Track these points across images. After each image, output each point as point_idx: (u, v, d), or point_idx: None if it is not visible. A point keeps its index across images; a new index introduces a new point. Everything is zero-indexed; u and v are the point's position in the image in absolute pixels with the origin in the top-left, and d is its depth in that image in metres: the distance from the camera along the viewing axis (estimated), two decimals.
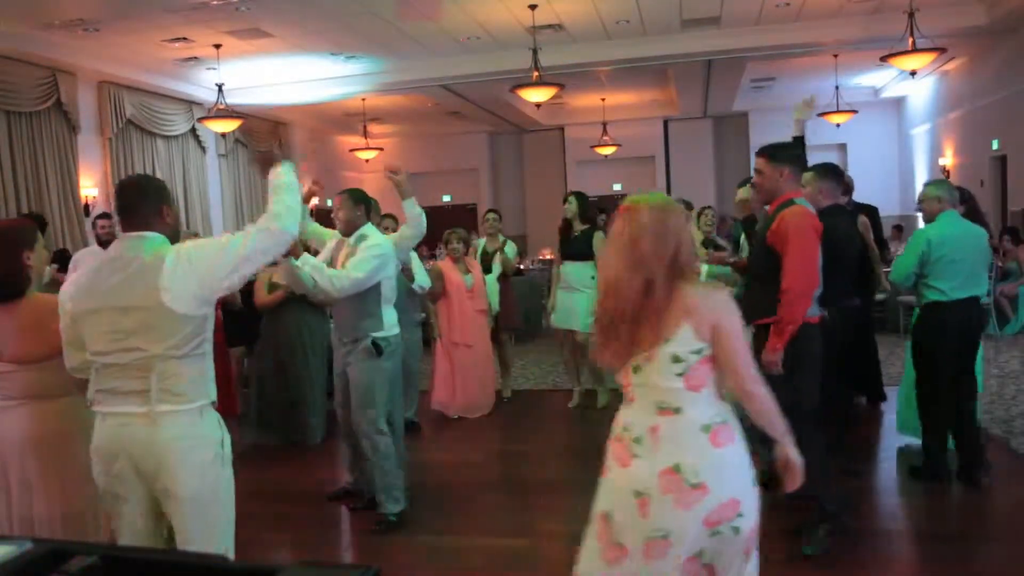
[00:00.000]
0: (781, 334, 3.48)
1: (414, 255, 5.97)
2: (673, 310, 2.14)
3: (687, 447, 2.14)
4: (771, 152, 3.70)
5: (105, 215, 6.49)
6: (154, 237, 2.48)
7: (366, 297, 4.07)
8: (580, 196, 6.58)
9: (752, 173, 4.27)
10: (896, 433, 5.39)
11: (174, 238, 2.55)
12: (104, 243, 6.36)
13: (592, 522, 2.27)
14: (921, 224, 6.66)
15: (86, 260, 5.29)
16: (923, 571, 3.62)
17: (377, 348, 4.08)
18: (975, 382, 4.55)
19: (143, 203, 2.50)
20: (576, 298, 6.47)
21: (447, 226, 6.97)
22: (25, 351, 2.70)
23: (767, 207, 3.79)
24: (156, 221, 2.50)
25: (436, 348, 6.59)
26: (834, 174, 4.33)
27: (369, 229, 4.19)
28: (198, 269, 2.39)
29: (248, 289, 5.98)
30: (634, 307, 2.15)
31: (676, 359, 2.14)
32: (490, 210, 7.78)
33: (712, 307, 2.15)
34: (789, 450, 2.22)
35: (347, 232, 4.18)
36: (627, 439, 2.21)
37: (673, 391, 2.16)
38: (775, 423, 2.21)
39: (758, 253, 3.72)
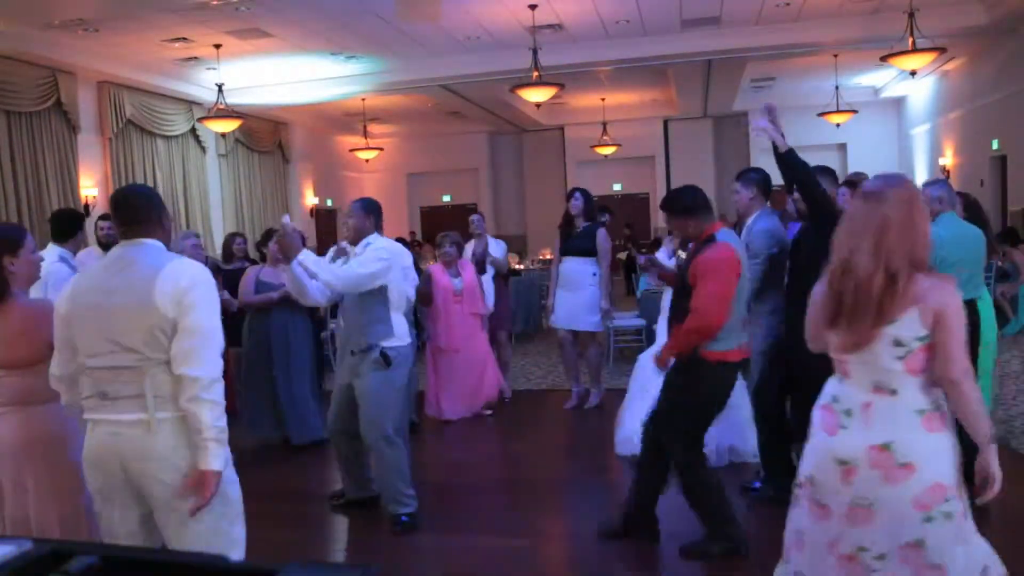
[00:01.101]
0: (675, 342, 3.54)
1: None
2: (902, 296, 2.20)
3: (901, 428, 2.24)
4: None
5: (107, 217, 6.48)
6: (153, 244, 2.51)
7: (373, 302, 4.07)
8: (586, 193, 6.54)
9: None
10: None
11: (168, 243, 2.59)
12: (105, 245, 6.32)
13: (799, 484, 2.41)
14: None
15: (87, 260, 5.27)
16: None
17: (386, 358, 4.10)
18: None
19: (144, 213, 2.53)
20: (578, 297, 6.44)
21: (447, 226, 6.97)
22: (11, 356, 2.70)
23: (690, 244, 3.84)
24: (156, 229, 2.54)
25: (426, 352, 6.59)
26: (828, 177, 4.30)
27: (375, 238, 4.20)
28: (199, 291, 2.41)
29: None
30: (869, 293, 2.20)
31: (898, 343, 2.22)
32: (474, 212, 7.77)
33: (939, 296, 2.21)
34: (991, 460, 2.28)
35: (355, 240, 4.18)
36: (837, 410, 2.31)
37: (892, 373, 2.24)
38: (978, 423, 2.26)
39: (678, 292, 3.72)
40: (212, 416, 2.37)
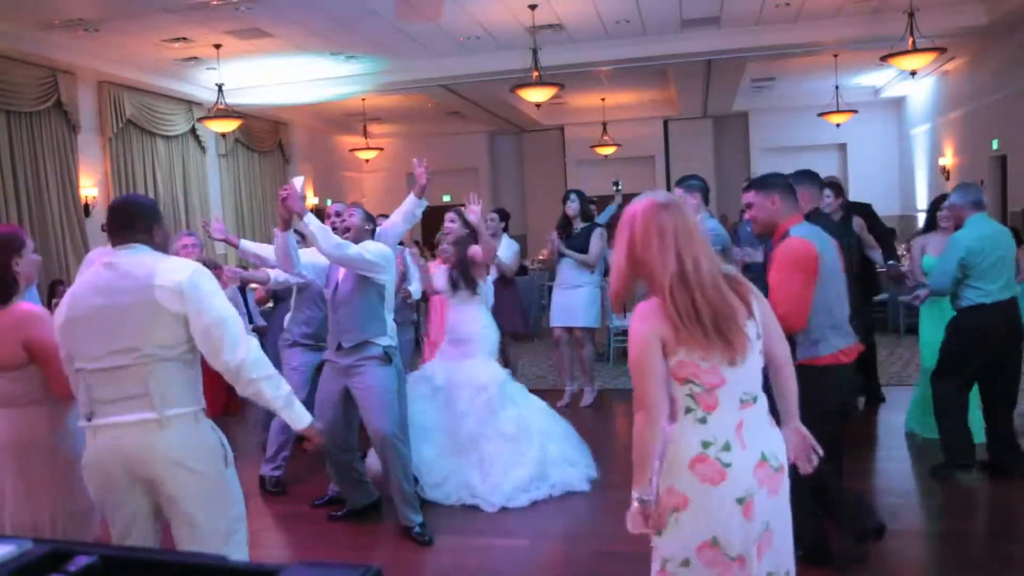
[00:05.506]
0: None
1: (410, 262, 6.01)
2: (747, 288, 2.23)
3: (765, 432, 2.20)
4: (759, 182, 3.50)
5: None
6: (143, 248, 2.54)
7: (371, 298, 4.08)
8: (580, 194, 6.65)
9: (750, 175, 4.28)
10: (897, 433, 5.39)
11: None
12: None
13: (693, 558, 2.12)
14: (919, 226, 6.60)
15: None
16: (930, 571, 3.62)
17: (388, 355, 4.09)
18: (1017, 383, 4.53)
19: (137, 222, 2.55)
20: (575, 295, 6.49)
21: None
22: (1, 356, 2.70)
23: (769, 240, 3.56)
24: (148, 238, 2.56)
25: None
26: (810, 178, 4.30)
27: (369, 242, 4.22)
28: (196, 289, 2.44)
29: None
30: (724, 295, 2.15)
31: (759, 336, 2.20)
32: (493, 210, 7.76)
33: None
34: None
35: (353, 241, 4.19)
36: (712, 455, 2.11)
37: (758, 375, 2.20)
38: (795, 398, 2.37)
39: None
40: (272, 389, 2.52)
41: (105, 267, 2.51)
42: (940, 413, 4.55)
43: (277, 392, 2.54)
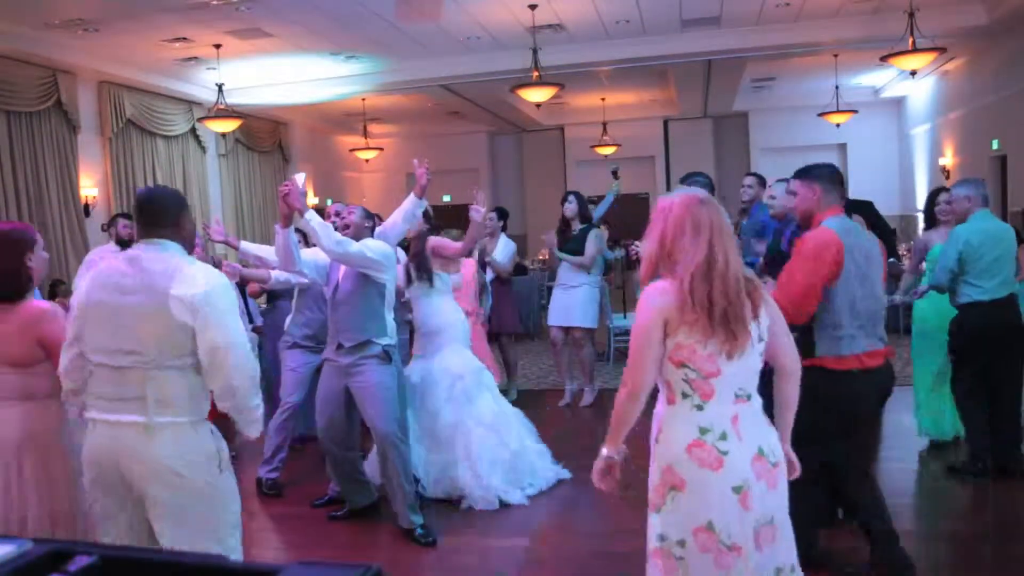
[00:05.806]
0: None
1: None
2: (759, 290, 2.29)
3: (761, 429, 2.25)
4: (803, 171, 3.42)
5: (127, 215, 6.53)
6: (171, 245, 2.53)
7: (371, 298, 4.08)
8: (579, 195, 6.65)
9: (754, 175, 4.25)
10: (899, 433, 5.39)
11: (189, 246, 2.62)
12: (124, 243, 6.35)
13: (689, 540, 2.18)
14: (921, 226, 6.58)
15: (102, 257, 5.27)
16: (931, 571, 3.61)
17: (387, 354, 4.09)
18: (1020, 382, 4.54)
19: (164, 215, 2.55)
20: (572, 295, 6.49)
21: (447, 226, 6.96)
22: (15, 354, 2.73)
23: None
24: (175, 231, 2.56)
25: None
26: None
27: (369, 239, 4.23)
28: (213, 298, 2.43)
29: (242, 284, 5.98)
30: (740, 291, 2.20)
31: (760, 339, 2.24)
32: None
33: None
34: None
35: (354, 238, 4.20)
36: (710, 441, 2.17)
37: (755, 373, 2.24)
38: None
39: None
40: (253, 415, 2.58)
41: (128, 261, 2.50)
42: (963, 419, 4.60)
43: (253, 415, 2.58)
